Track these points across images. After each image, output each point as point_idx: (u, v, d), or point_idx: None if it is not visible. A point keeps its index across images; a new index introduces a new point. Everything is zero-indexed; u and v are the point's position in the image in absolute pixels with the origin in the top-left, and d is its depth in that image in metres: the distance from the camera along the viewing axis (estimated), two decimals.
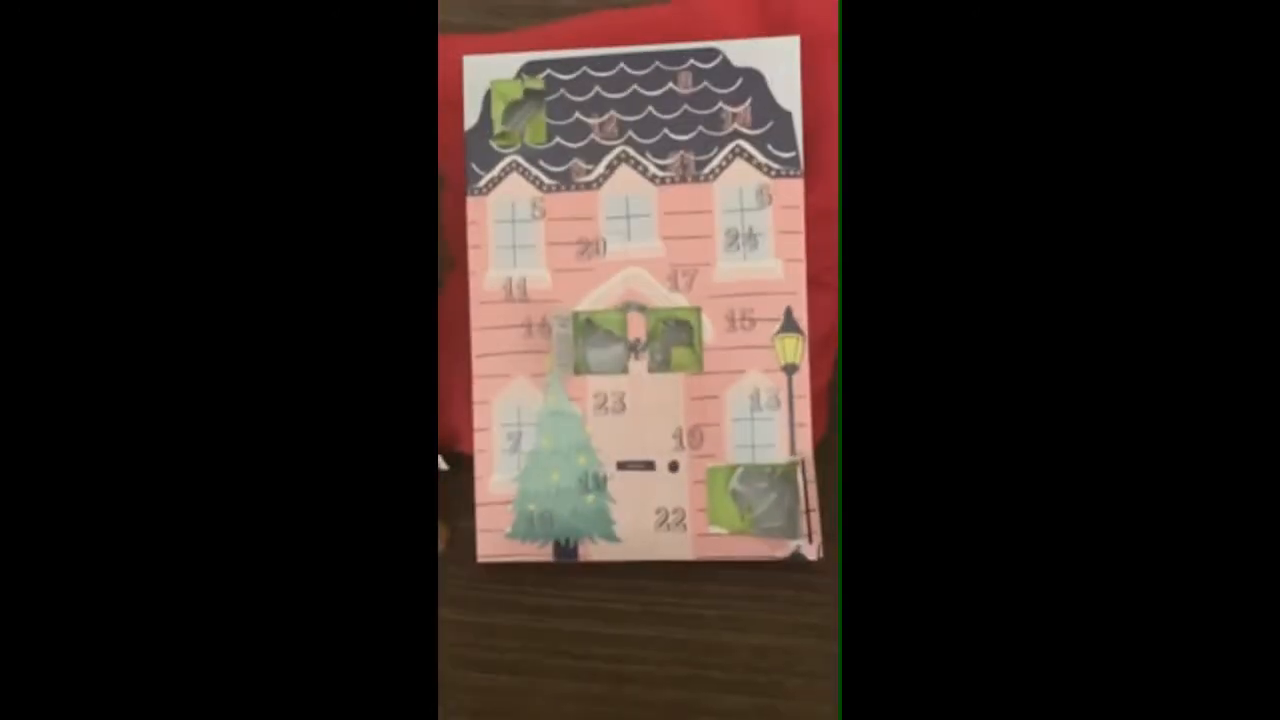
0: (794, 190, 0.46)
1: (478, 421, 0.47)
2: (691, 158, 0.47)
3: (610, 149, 0.47)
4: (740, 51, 0.47)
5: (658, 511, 0.47)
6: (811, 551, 0.46)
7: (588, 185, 0.47)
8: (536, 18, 0.50)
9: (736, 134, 0.47)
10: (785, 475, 0.46)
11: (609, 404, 0.47)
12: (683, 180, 0.47)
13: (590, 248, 0.47)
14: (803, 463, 0.46)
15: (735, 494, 0.46)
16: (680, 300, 0.47)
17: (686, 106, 0.47)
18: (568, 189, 0.47)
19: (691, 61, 0.47)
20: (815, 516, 0.46)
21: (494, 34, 0.49)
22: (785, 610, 0.47)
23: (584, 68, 0.47)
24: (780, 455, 0.46)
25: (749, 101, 0.47)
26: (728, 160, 0.47)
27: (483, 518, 0.47)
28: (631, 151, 0.47)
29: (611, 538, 0.47)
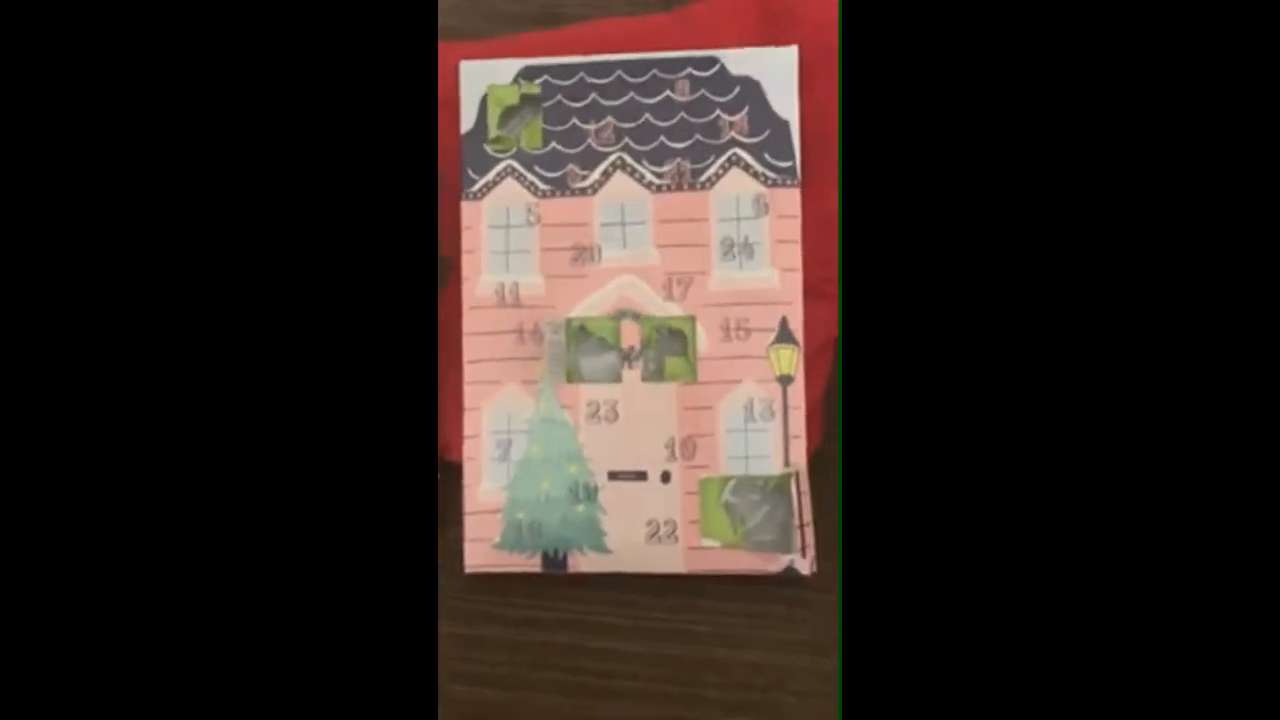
0: (791, 200, 0.46)
1: (468, 428, 0.47)
2: (688, 165, 0.47)
3: (606, 155, 0.47)
4: (738, 60, 0.47)
5: (649, 523, 0.46)
6: (805, 566, 0.45)
7: (583, 191, 0.47)
8: (536, 24, 0.49)
9: (733, 142, 0.46)
10: (779, 488, 0.45)
11: (601, 413, 0.46)
12: (679, 188, 0.47)
13: (585, 254, 0.47)
14: (797, 475, 0.45)
15: (728, 506, 0.46)
16: (675, 309, 0.46)
17: (683, 114, 0.47)
18: (563, 195, 0.47)
19: (689, 69, 0.47)
20: (809, 530, 0.45)
21: (492, 40, 0.49)
22: (779, 626, 0.46)
23: (581, 74, 0.47)
24: (774, 467, 0.46)
25: (746, 110, 0.46)
26: (724, 169, 0.46)
27: (471, 527, 0.47)
28: (628, 158, 0.47)
29: (602, 549, 0.46)
